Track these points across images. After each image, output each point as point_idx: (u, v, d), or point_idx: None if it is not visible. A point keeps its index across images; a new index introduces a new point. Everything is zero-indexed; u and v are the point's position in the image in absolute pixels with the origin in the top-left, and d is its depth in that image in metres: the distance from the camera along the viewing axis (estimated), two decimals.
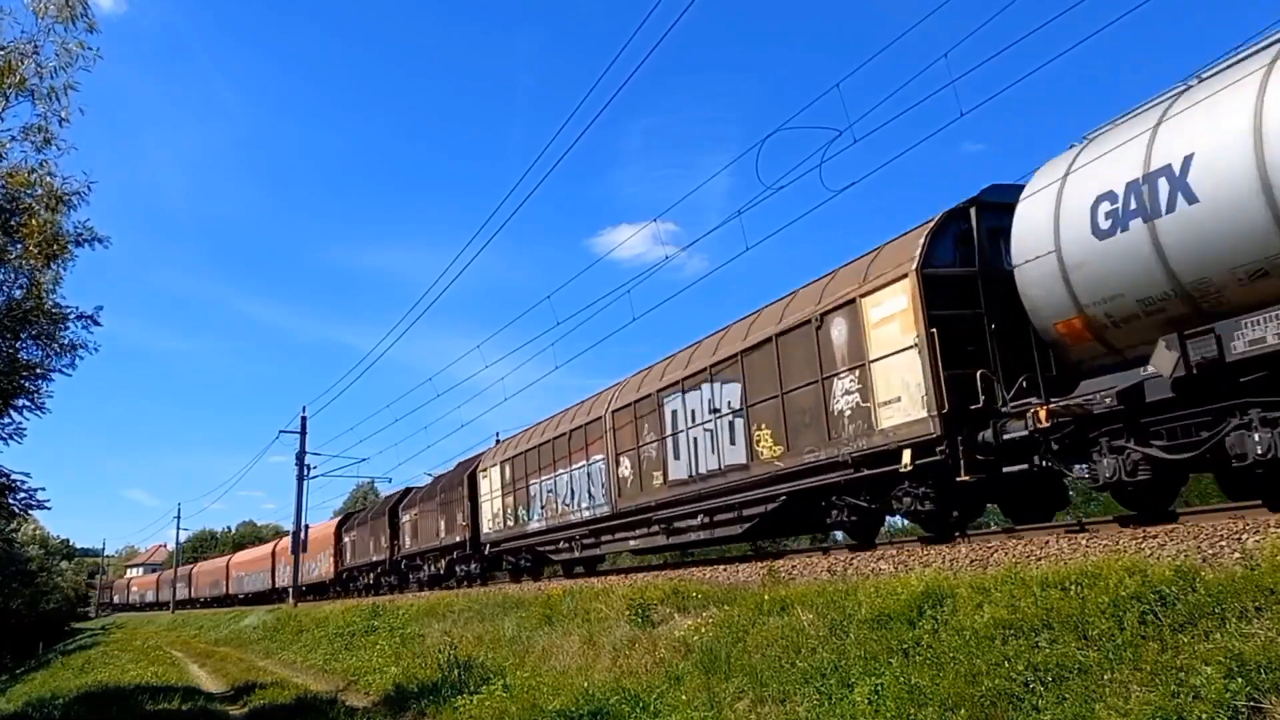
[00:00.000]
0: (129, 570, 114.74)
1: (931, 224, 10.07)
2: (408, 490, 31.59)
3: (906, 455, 9.70)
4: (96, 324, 12.99)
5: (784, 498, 12.09)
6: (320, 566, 40.45)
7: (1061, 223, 8.18)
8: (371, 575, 33.49)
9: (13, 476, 12.67)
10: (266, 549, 51.88)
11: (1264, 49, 7.03)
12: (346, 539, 37.14)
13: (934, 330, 9.44)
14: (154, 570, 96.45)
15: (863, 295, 10.49)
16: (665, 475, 14.86)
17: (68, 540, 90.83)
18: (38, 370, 12.40)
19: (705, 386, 13.84)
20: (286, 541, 44.15)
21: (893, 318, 9.99)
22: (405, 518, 29.87)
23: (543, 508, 19.92)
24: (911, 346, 9.68)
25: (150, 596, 79.53)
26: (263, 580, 49.87)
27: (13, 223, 10.47)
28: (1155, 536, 6.96)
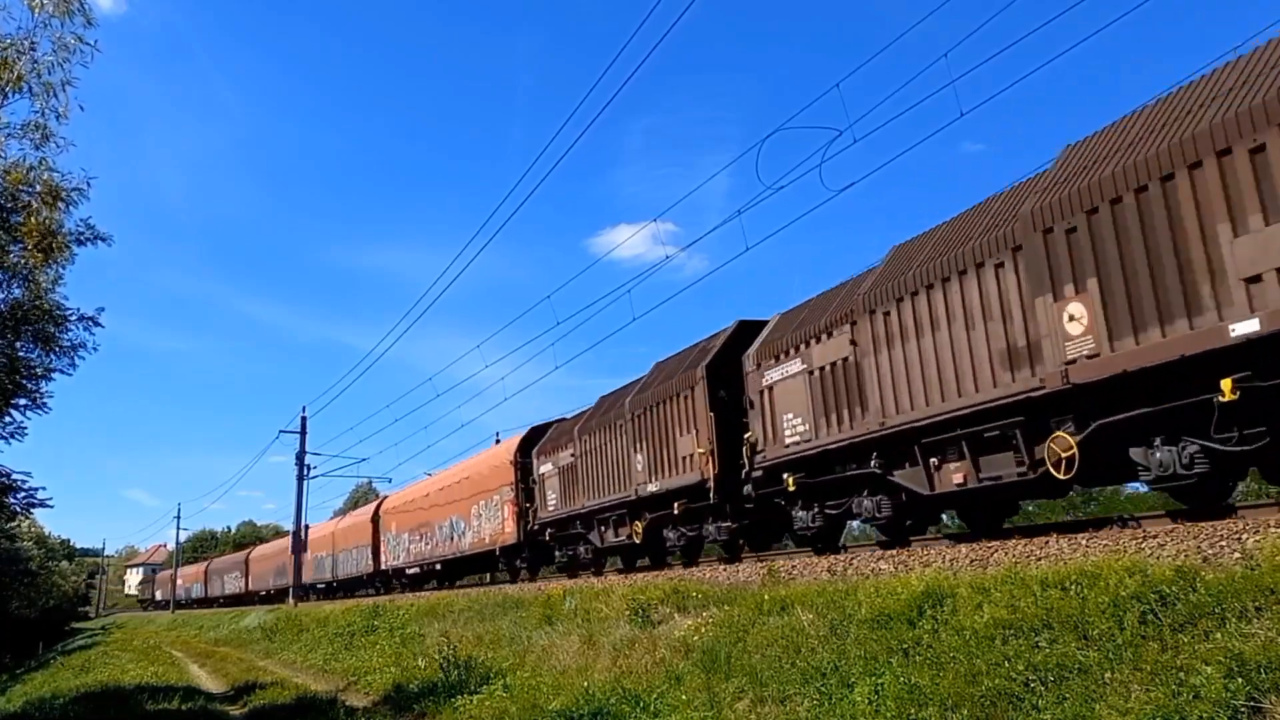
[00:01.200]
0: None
1: None
2: (747, 325, 14.89)
3: None
4: (98, 325, 13.04)
5: None
6: (480, 527, 23.45)
7: None
8: (638, 526, 16.61)
9: (13, 476, 12.70)
10: (364, 514, 35.45)
11: None
12: (546, 468, 20.31)
13: None
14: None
15: None
16: None
17: (68, 540, 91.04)
18: (37, 370, 12.42)
19: None
20: (396, 497, 32.72)
21: None
22: (780, 372, 12.76)
23: None
24: None
25: (197, 591, 64.24)
26: (360, 561, 33.86)
27: (12, 220, 10.47)
28: (1155, 536, 6.96)
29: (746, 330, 14.74)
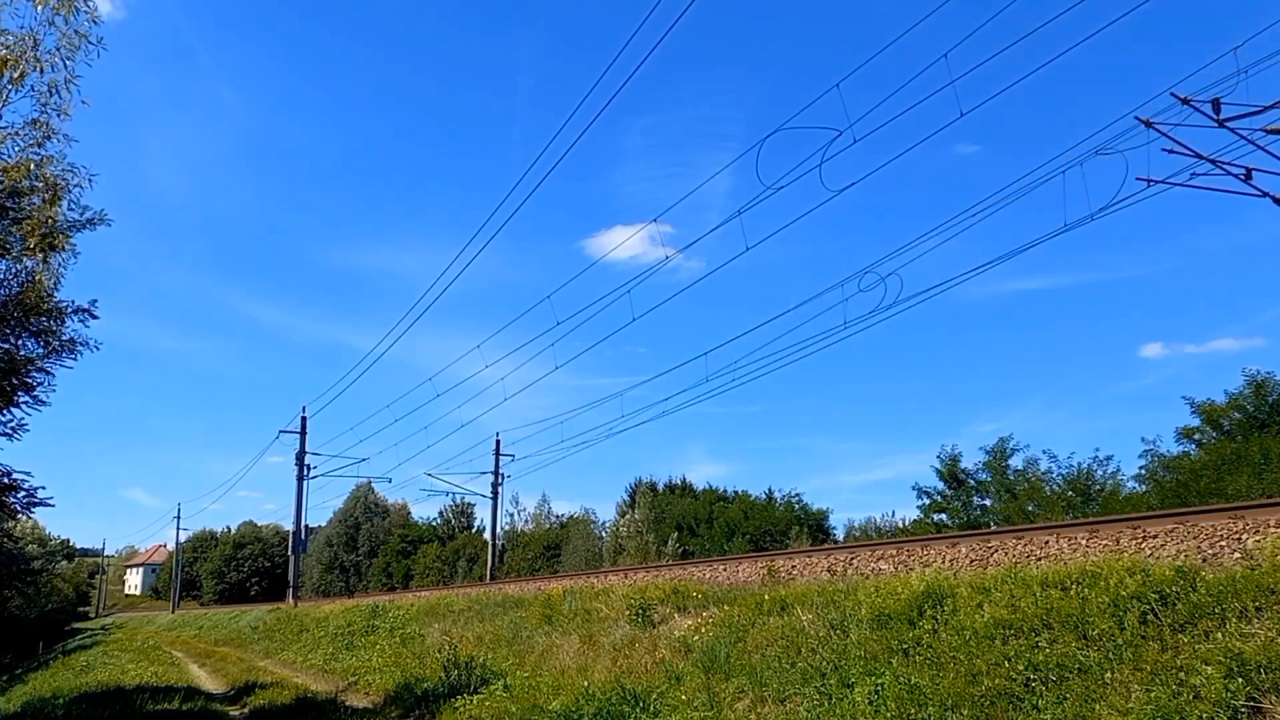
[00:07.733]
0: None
1: None
2: None
3: None
4: (93, 316, 12.94)
5: None
6: None
7: None
8: None
9: (14, 475, 12.65)
10: None
11: None
12: None
13: None
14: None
15: None
16: None
17: (68, 540, 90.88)
18: (37, 364, 12.36)
19: None
20: None
21: None
22: None
23: None
24: None
25: None
26: None
27: (10, 211, 10.40)
28: (1155, 537, 6.97)
29: None
